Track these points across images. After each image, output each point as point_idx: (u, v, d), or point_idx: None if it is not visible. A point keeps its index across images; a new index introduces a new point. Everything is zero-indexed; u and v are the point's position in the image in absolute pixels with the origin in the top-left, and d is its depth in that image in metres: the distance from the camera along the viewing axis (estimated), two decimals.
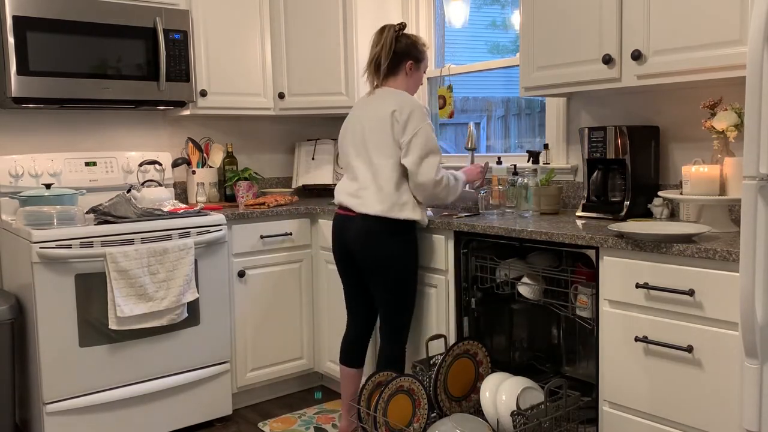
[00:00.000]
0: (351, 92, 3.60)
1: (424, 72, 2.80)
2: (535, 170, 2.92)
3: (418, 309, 2.84)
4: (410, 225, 2.61)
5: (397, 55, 2.67)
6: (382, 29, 2.69)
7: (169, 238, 2.89)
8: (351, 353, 2.81)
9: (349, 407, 2.79)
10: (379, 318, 2.70)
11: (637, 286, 2.09)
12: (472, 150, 3.20)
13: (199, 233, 2.98)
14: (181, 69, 3.26)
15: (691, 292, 1.96)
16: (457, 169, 2.99)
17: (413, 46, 2.70)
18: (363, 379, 2.62)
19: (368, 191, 2.58)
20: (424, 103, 3.80)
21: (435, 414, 2.52)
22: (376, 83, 2.72)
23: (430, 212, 2.97)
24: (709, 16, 2.15)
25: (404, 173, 2.56)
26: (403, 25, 2.71)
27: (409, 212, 2.56)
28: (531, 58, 2.72)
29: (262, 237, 3.26)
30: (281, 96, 3.64)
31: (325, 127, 4.23)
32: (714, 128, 2.26)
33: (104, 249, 2.72)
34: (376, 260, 2.58)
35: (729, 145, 2.29)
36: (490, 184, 3.10)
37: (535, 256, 2.67)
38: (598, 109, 2.93)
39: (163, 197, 3.18)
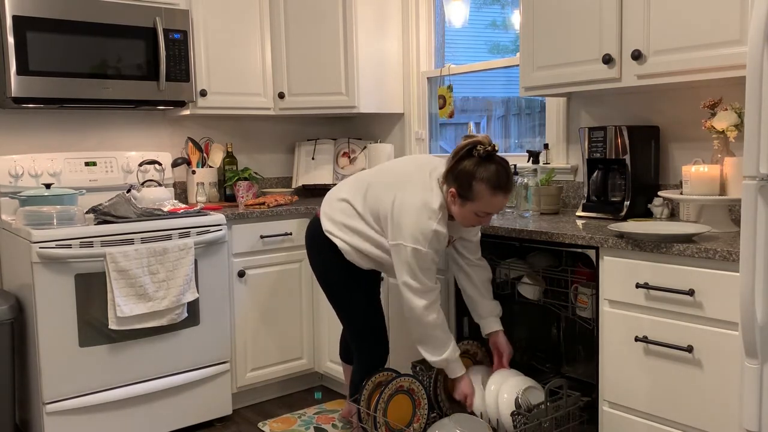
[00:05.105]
0: (351, 92, 3.60)
1: (481, 215, 2.25)
2: (535, 170, 2.92)
3: None
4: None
5: (450, 172, 2.24)
6: (468, 136, 2.27)
7: (169, 238, 2.89)
8: (345, 349, 2.83)
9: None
10: None
11: (637, 286, 2.09)
12: None
13: (199, 233, 2.98)
14: (181, 69, 3.26)
15: (691, 292, 1.96)
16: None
17: (466, 177, 2.20)
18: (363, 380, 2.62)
19: None
20: (424, 102, 3.80)
21: (435, 414, 2.52)
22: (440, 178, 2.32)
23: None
24: (709, 16, 2.15)
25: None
26: (488, 148, 2.20)
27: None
28: (531, 58, 2.72)
29: (262, 237, 3.26)
30: (281, 96, 3.64)
31: (325, 127, 4.23)
32: (714, 128, 2.26)
33: (104, 249, 2.71)
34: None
35: (729, 145, 2.29)
36: None
37: (535, 256, 2.67)
38: (598, 109, 2.93)
39: (163, 197, 3.18)
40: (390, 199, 2.33)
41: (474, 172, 2.19)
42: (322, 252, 2.51)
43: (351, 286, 2.51)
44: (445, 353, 2.34)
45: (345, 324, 2.60)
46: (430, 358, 2.36)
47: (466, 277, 2.54)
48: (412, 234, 2.25)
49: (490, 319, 2.54)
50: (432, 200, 2.26)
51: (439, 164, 2.37)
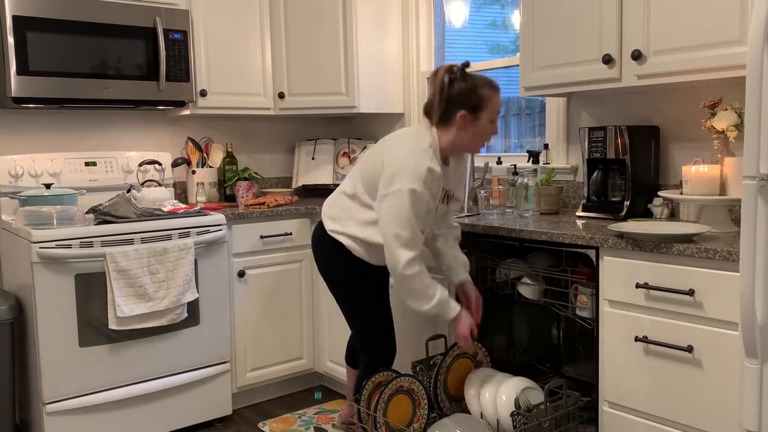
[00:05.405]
0: (351, 92, 3.60)
1: (493, 120, 2.36)
2: (535, 170, 2.92)
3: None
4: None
5: (449, 103, 2.31)
6: (435, 72, 2.34)
7: (169, 238, 2.89)
8: (351, 354, 2.82)
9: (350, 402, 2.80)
10: None
11: (637, 286, 2.09)
12: None
13: (199, 233, 2.98)
14: (181, 69, 3.26)
15: (691, 292, 1.96)
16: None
17: (469, 92, 2.29)
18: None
19: None
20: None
21: (435, 414, 2.52)
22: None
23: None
24: (709, 16, 2.15)
25: None
26: (460, 67, 2.33)
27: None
28: (531, 58, 2.72)
29: (262, 237, 3.26)
30: (281, 96, 3.64)
31: (325, 127, 4.23)
32: (714, 128, 2.26)
33: (104, 249, 2.71)
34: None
35: (729, 145, 2.29)
36: (490, 184, 3.11)
37: (535, 256, 2.67)
38: (598, 109, 2.93)
39: (163, 197, 3.18)
40: (380, 161, 2.35)
41: (470, 85, 2.31)
42: (326, 250, 2.52)
43: (358, 281, 2.52)
44: (435, 296, 2.32)
45: (350, 322, 2.60)
46: (424, 307, 2.33)
47: (435, 237, 2.58)
48: (408, 175, 2.25)
49: (459, 269, 2.57)
50: (421, 141, 2.32)
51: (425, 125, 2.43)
